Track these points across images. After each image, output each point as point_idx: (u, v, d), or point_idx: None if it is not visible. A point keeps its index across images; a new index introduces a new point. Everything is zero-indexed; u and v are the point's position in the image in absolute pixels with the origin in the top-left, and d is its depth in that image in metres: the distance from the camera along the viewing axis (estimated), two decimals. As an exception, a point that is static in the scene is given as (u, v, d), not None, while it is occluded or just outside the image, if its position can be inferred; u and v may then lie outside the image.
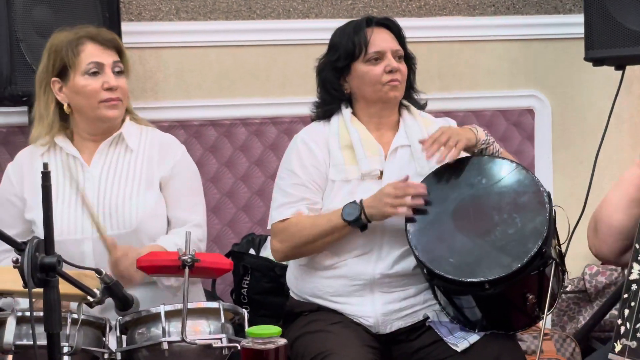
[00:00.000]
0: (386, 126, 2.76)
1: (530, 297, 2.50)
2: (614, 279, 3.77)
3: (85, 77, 2.60)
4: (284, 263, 3.27)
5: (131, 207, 2.63)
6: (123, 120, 2.72)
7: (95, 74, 2.60)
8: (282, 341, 1.79)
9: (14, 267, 1.83)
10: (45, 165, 1.87)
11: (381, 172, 2.68)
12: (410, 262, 2.63)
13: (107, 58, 2.63)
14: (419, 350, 2.64)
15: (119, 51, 2.68)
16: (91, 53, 2.61)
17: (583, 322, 3.74)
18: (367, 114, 2.75)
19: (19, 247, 1.83)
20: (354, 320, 2.67)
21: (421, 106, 2.84)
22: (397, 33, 2.77)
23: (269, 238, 3.50)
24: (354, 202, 2.57)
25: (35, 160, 2.67)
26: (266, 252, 3.48)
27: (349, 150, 2.68)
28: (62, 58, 2.61)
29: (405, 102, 2.80)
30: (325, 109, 2.78)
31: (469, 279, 2.46)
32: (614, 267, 3.81)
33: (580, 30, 3.48)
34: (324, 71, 2.78)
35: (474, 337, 2.55)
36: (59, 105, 2.65)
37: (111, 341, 2.27)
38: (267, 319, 3.23)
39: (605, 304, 3.62)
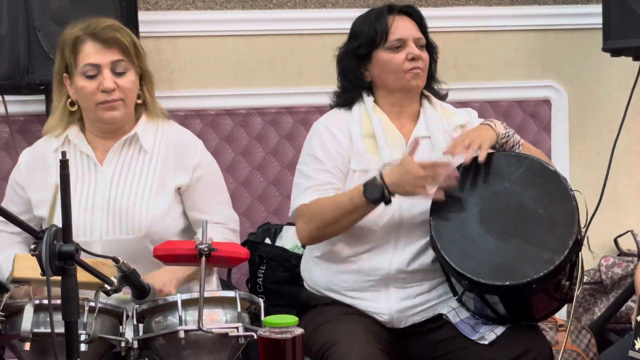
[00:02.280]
0: (406, 115, 2.73)
1: (565, 283, 2.48)
2: (630, 270, 3.75)
3: (83, 79, 2.56)
4: (299, 253, 3.29)
5: (141, 212, 2.59)
6: (138, 118, 2.67)
7: (91, 76, 2.55)
8: (299, 330, 1.79)
9: (32, 254, 1.83)
10: (64, 154, 1.86)
11: None
12: (426, 258, 2.61)
13: (105, 58, 2.56)
14: (438, 343, 2.63)
15: (122, 48, 2.59)
16: (89, 53, 2.56)
17: (599, 314, 3.74)
18: (388, 102, 2.72)
19: (37, 235, 1.83)
20: (368, 314, 2.65)
21: (442, 97, 2.81)
22: (419, 21, 2.74)
23: (284, 228, 3.53)
24: (374, 179, 2.50)
25: (47, 155, 2.66)
26: (282, 242, 3.48)
27: (371, 139, 2.65)
28: (65, 56, 2.60)
29: (426, 92, 2.77)
30: (346, 97, 2.75)
31: (516, 282, 2.41)
32: (630, 258, 3.80)
33: (598, 20, 3.47)
34: (345, 59, 2.75)
35: (499, 329, 2.54)
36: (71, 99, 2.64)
37: (128, 329, 2.26)
38: (282, 308, 3.24)
39: (621, 296, 3.61)
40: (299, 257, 3.18)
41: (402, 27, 2.69)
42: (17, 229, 2.63)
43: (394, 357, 2.60)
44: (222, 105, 3.67)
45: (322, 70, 3.63)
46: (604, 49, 3.41)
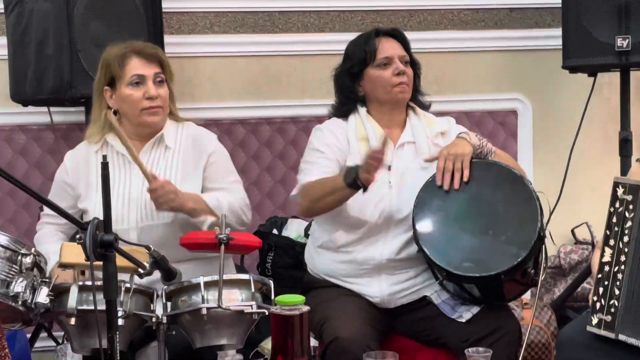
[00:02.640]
0: (395, 124, 2.72)
1: (531, 271, 2.48)
2: (585, 256, 3.77)
3: (130, 88, 2.58)
4: (302, 242, 3.31)
5: None
6: (165, 122, 2.69)
7: (137, 84, 2.57)
8: (305, 308, 1.80)
9: (78, 243, 1.85)
10: (104, 157, 1.89)
11: (389, 165, 2.65)
12: (412, 248, 2.61)
13: (149, 70, 2.59)
14: (422, 320, 2.64)
15: (161, 63, 2.65)
16: (135, 66, 2.58)
17: (558, 294, 3.74)
18: (379, 112, 2.71)
19: (82, 226, 1.86)
20: (362, 295, 2.65)
21: (425, 107, 2.81)
22: (403, 41, 2.74)
23: (289, 220, 3.54)
24: (352, 166, 2.48)
25: (90, 156, 2.66)
26: (287, 232, 3.49)
27: (365, 142, 2.65)
28: (111, 70, 2.60)
29: (412, 104, 2.77)
30: (343, 110, 2.75)
31: (487, 274, 2.42)
32: (585, 246, 3.82)
33: (558, 42, 3.47)
34: (340, 78, 2.76)
35: (475, 309, 2.55)
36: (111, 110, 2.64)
37: (157, 307, 2.28)
38: (288, 289, 3.23)
39: (577, 279, 3.62)
40: (302, 245, 3.19)
41: (388, 47, 2.69)
42: (60, 222, 2.66)
43: (382, 333, 2.61)
44: (236, 116, 3.68)
45: (321, 85, 3.61)
46: (564, 67, 3.42)
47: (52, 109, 3.42)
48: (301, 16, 3.70)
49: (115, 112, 2.64)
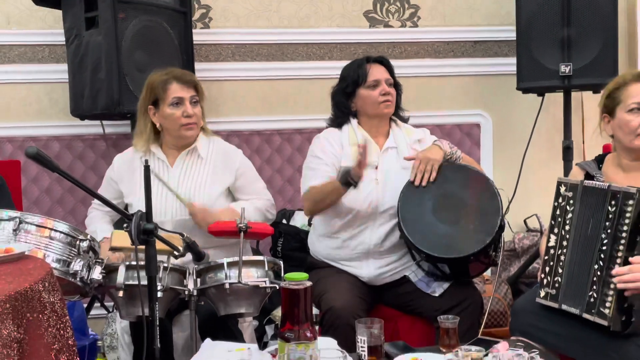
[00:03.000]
0: (380, 133, 2.73)
1: (492, 253, 2.49)
2: (535, 241, 3.76)
3: (171, 108, 2.57)
4: (306, 230, 3.30)
5: (203, 194, 2.59)
6: (197, 136, 2.69)
7: (177, 105, 2.57)
8: (309, 283, 1.79)
9: (125, 230, 1.86)
10: (146, 161, 1.90)
11: (376, 166, 2.65)
12: (394, 236, 2.61)
13: (187, 93, 2.59)
14: (403, 294, 2.64)
15: (196, 87, 2.64)
16: (175, 90, 2.57)
17: (513, 272, 3.74)
18: (367, 124, 2.72)
19: (128, 217, 1.86)
20: (353, 275, 2.65)
21: (405, 120, 2.81)
22: (388, 67, 2.74)
23: (296, 212, 3.54)
24: (343, 169, 2.49)
25: (135, 160, 2.66)
26: (294, 222, 3.49)
27: (356, 146, 2.62)
28: (155, 93, 2.60)
29: (394, 117, 2.77)
30: (338, 121, 2.75)
31: (458, 256, 2.43)
32: (535, 233, 3.81)
33: (512, 68, 3.44)
34: (336, 95, 2.76)
35: (446, 285, 2.55)
36: (153, 124, 2.64)
37: (189, 283, 2.28)
38: (295, 268, 3.25)
39: (528, 260, 3.63)
40: (306, 232, 3.18)
41: (376, 72, 2.69)
42: (107, 209, 2.68)
43: (370, 303, 2.62)
44: (253, 128, 3.67)
45: (321, 104, 3.56)
46: (517, 88, 3.40)
47: (104, 122, 3.42)
48: (305, 47, 3.69)
49: (154, 125, 2.64)
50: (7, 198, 2.59)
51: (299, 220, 3.48)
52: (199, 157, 2.65)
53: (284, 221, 3.49)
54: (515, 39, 3.40)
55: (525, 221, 3.86)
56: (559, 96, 3.54)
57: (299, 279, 1.78)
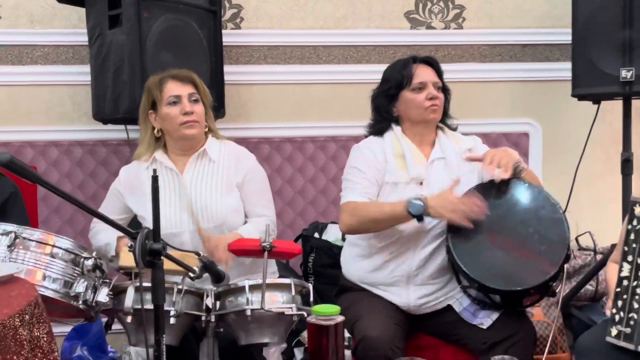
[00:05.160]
0: (426, 142, 2.41)
1: (554, 284, 2.16)
2: (587, 261, 3.41)
3: (168, 107, 2.35)
4: (340, 245, 3.01)
5: (217, 207, 2.33)
6: (206, 138, 2.44)
7: (174, 103, 2.35)
8: (340, 318, 1.50)
9: (129, 251, 1.58)
10: (154, 171, 1.61)
11: (421, 181, 2.33)
12: (439, 258, 2.29)
13: (184, 91, 2.37)
14: (444, 324, 2.32)
15: (195, 84, 2.41)
16: (171, 88, 2.37)
17: (563, 294, 3.40)
18: (411, 132, 2.40)
19: (132, 235, 1.58)
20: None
21: (453, 129, 2.50)
22: (437, 69, 2.43)
23: (329, 225, 3.25)
24: (418, 199, 2.18)
25: (141, 172, 2.42)
26: (326, 236, 3.21)
27: (400, 158, 2.34)
28: (152, 95, 2.39)
29: (441, 124, 2.46)
30: (378, 127, 2.43)
31: (518, 288, 2.09)
32: (587, 252, 3.46)
33: (564, 73, 3.14)
34: (377, 98, 2.45)
35: (494, 315, 2.21)
36: (154, 131, 2.42)
37: (207, 306, 2.00)
38: (327, 285, 2.98)
39: (581, 281, 3.28)
40: (339, 247, 2.91)
41: (423, 73, 2.38)
42: (114, 217, 2.42)
43: (408, 332, 2.30)
44: (284, 135, 3.39)
45: (357, 109, 3.33)
46: (573, 95, 3.06)
47: (128, 127, 3.16)
48: (342, 49, 3.40)
49: (158, 131, 2.42)
50: (18, 209, 2.34)
51: (332, 234, 3.19)
52: (210, 160, 2.41)
53: (316, 235, 3.21)
54: (568, 42, 3.08)
55: (577, 239, 3.50)
56: (615, 104, 3.20)
57: (328, 313, 1.47)
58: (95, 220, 2.46)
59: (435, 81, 2.40)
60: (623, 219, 2.15)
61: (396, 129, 2.40)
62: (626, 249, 1.89)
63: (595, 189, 3.48)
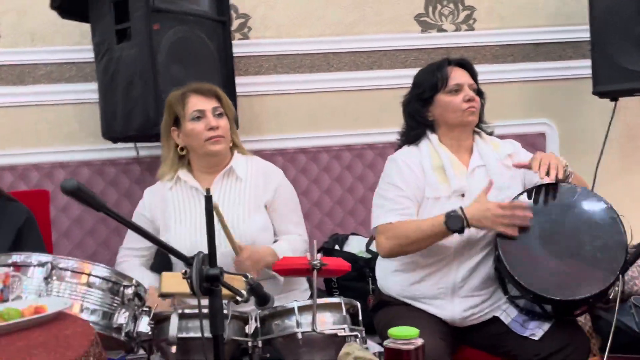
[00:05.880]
0: (463, 148, 2.30)
1: (611, 292, 2.04)
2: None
3: (192, 122, 2.23)
4: (364, 257, 2.90)
5: (246, 226, 2.22)
6: (232, 155, 2.33)
7: (198, 119, 2.23)
8: (420, 341, 1.37)
9: (183, 277, 1.45)
10: (208, 190, 1.49)
11: (463, 193, 2.21)
12: (485, 269, 2.18)
13: (208, 105, 2.25)
14: (492, 336, 2.20)
15: (219, 98, 2.29)
16: (194, 103, 2.25)
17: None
18: (448, 137, 2.28)
19: (188, 261, 1.46)
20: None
21: (489, 133, 2.39)
22: (471, 71, 2.34)
23: (350, 237, 3.13)
24: (454, 212, 2.09)
25: (165, 193, 2.30)
26: (348, 248, 3.08)
27: (440, 170, 2.22)
28: (174, 111, 2.27)
29: (477, 129, 2.36)
30: (413, 134, 2.31)
31: (576, 297, 1.97)
32: None
33: (579, 71, 3.13)
34: (410, 103, 2.32)
35: (546, 325, 2.09)
36: (177, 149, 2.30)
37: (251, 331, 1.87)
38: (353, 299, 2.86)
39: (606, 281, 3.21)
40: (364, 259, 2.81)
41: (459, 75, 2.28)
42: (139, 253, 2.31)
43: (454, 346, 2.19)
44: (298, 145, 3.28)
45: (372, 117, 3.26)
46: (594, 93, 3.00)
47: (138, 144, 3.03)
48: (352, 56, 3.30)
49: (182, 149, 2.29)
50: (35, 235, 2.21)
51: (354, 245, 3.07)
52: (237, 178, 2.29)
53: (337, 247, 3.09)
54: (581, 39, 3.08)
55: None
56: (630, 101, 3.14)
57: (407, 337, 1.35)
58: (120, 255, 2.33)
59: (471, 83, 2.30)
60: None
61: (432, 137, 2.28)
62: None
63: (614, 187, 3.40)
